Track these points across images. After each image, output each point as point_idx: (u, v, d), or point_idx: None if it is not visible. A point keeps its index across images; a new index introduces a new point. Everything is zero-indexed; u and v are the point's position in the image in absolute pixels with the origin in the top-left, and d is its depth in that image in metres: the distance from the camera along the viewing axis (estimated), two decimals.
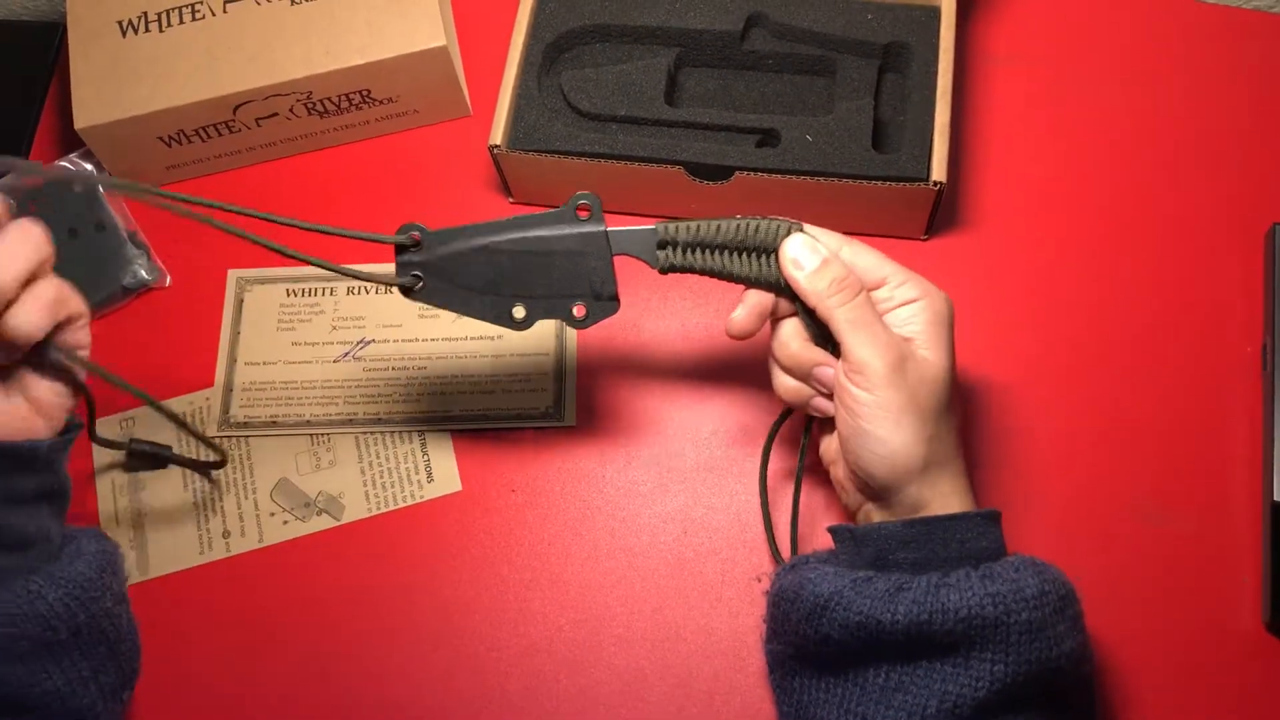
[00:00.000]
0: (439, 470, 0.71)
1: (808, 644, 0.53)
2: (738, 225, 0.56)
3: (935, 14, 0.73)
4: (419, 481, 0.71)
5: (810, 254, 0.55)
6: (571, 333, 0.73)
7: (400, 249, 0.58)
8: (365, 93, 0.77)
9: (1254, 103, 0.76)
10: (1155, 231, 0.73)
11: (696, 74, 0.76)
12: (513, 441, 0.72)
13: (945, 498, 0.54)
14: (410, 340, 0.74)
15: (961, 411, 0.57)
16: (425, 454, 0.71)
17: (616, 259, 0.58)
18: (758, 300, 0.57)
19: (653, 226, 0.57)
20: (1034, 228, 0.74)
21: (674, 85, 0.75)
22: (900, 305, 0.55)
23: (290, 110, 0.77)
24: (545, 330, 0.73)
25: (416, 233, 0.58)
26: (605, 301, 0.59)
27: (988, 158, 0.76)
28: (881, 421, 0.53)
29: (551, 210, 0.58)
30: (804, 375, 0.57)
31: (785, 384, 0.58)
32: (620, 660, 0.66)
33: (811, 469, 0.63)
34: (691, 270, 0.58)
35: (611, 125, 0.73)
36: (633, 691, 0.65)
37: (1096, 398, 0.69)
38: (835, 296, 0.54)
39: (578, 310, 0.59)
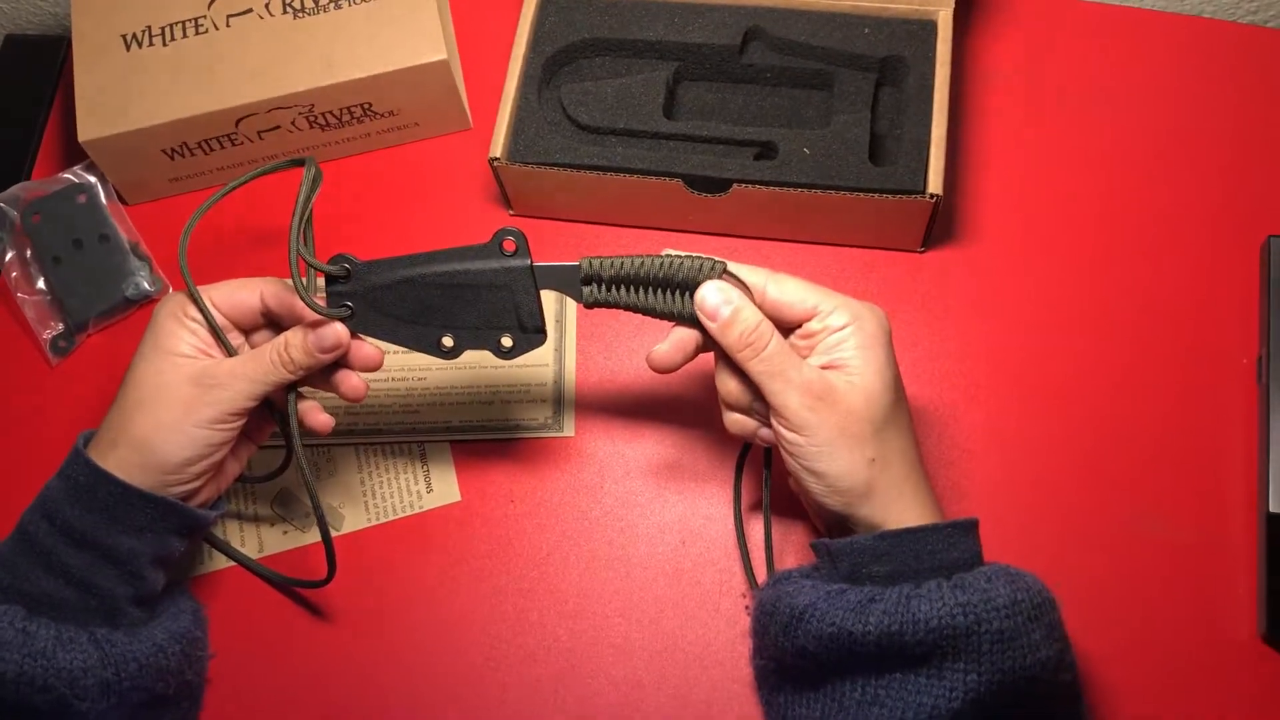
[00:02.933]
0: (438, 481, 0.71)
1: (786, 657, 0.54)
2: (661, 263, 0.57)
3: (931, 29, 0.74)
4: (418, 492, 0.71)
5: (721, 305, 0.55)
6: (571, 345, 0.74)
7: (331, 279, 0.59)
8: (367, 106, 0.78)
9: (1247, 116, 0.77)
10: (1151, 244, 0.74)
11: (695, 88, 0.77)
12: (512, 452, 0.72)
13: (903, 513, 0.54)
14: (410, 351, 0.74)
15: (912, 427, 0.57)
16: (424, 465, 0.72)
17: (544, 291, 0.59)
18: (682, 336, 0.58)
19: (576, 263, 0.58)
20: (1030, 240, 0.75)
21: (672, 99, 0.76)
22: (833, 332, 0.55)
23: (292, 123, 0.78)
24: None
25: (347, 264, 0.58)
26: (532, 334, 0.59)
27: (984, 171, 0.77)
28: (815, 458, 0.54)
29: (477, 245, 0.58)
30: (746, 409, 0.58)
31: (730, 418, 0.59)
32: (618, 670, 0.66)
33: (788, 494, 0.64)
34: (616, 306, 0.58)
35: (610, 138, 0.73)
36: (630, 702, 0.65)
37: (1094, 408, 0.70)
38: (745, 350, 0.55)
39: (505, 341, 0.60)
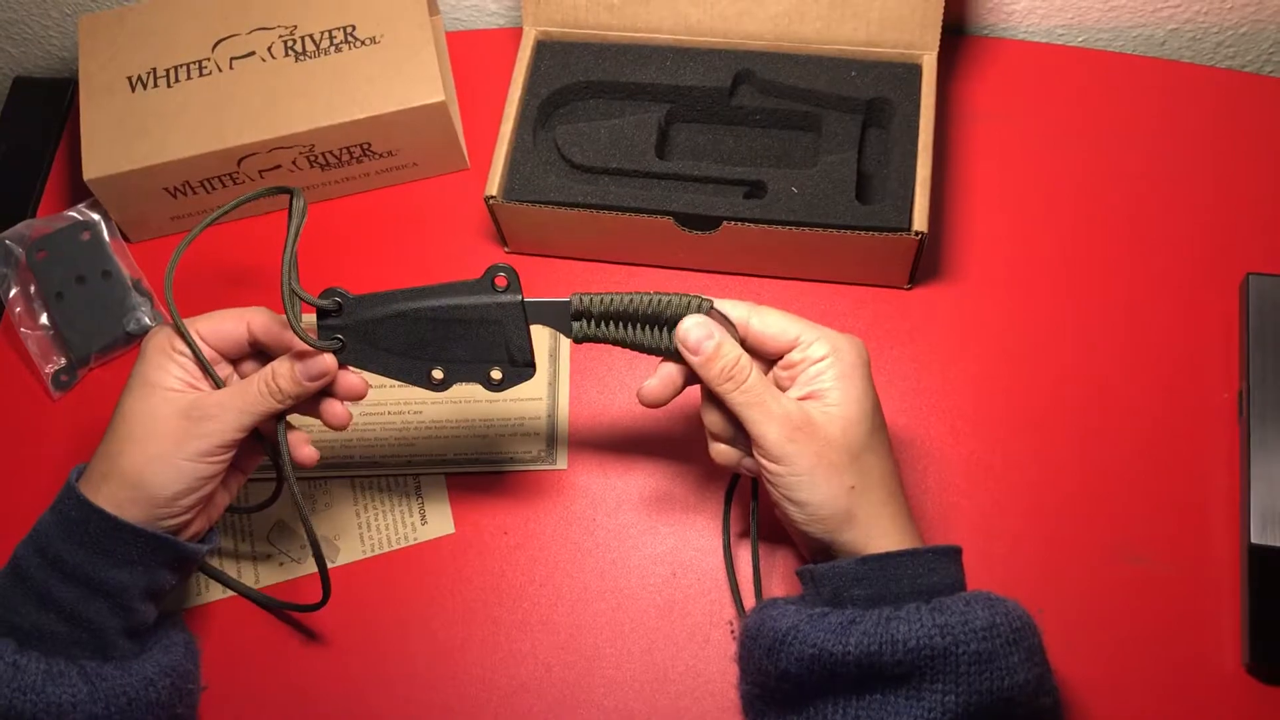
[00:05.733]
0: (432, 513, 0.72)
1: (770, 680, 0.55)
2: (649, 300, 0.58)
3: (916, 72, 0.75)
4: (413, 524, 0.72)
5: (703, 340, 0.57)
6: (564, 378, 0.75)
7: (322, 313, 0.60)
8: (366, 146, 0.79)
9: (1225, 157, 0.78)
10: (1132, 281, 0.75)
11: (686, 129, 0.79)
12: (505, 485, 0.73)
13: (884, 537, 0.55)
14: (405, 385, 0.75)
15: (891, 455, 0.58)
16: (419, 497, 0.73)
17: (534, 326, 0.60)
18: (670, 371, 0.59)
19: (567, 299, 0.59)
20: (1014, 276, 0.76)
21: (664, 139, 0.78)
22: (814, 363, 0.57)
23: (293, 163, 0.79)
24: (538, 376, 0.75)
25: (338, 298, 0.59)
26: (521, 367, 0.61)
27: (969, 209, 0.78)
28: (795, 487, 0.55)
29: (469, 280, 0.59)
30: (730, 441, 0.60)
31: (716, 449, 0.61)
32: (610, 701, 0.67)
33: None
34: (605, 341, 0.60)
35: (604, 177, 0.75)
36: None
37: (1077, 442, 0.71)
38: (726, 384, 0.56)
39: (495, 374, 0.61)
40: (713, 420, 0.59)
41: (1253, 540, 0.65)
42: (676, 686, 0.67)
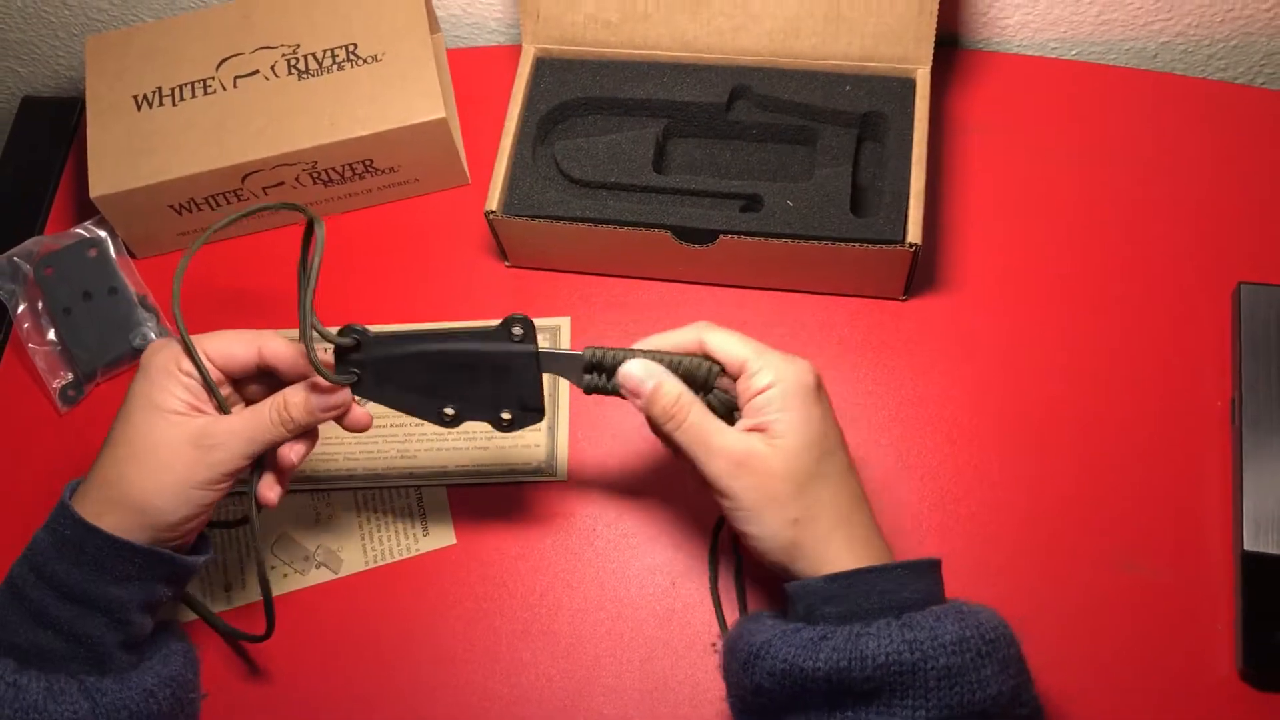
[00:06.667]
0: (434, 524, 0.73)
1: (747, 694, 0.55)
2: (660, 358, 0.59)
3: (910, 86, 0.76)
4: (415, 535, 0.73)
5: (643, 380, 0.58)
6: (564, 390, 0.76)
7: (341, 350, 0.60)
8: (368, 163, 0.80)
9: (1217, 167, 0.79)
10: (1126, 291, 0.76)
11: (684, 144, 0.80)
12: (506, 497, 0.74)
13: (834, 562, 0.55)
14: None
15: (846, 474, 0.58)
16: (421, 508, 0.74)
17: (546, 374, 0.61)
18: None
19: (581, 352, 0.60)
20: (1009, 287, 0.77)
21: (662, 154, 0.79)
22: (758, 393, 0.57)
23: (296, 179, 0.80)
24: None
25: (357, 335, 0.60)
26: (531, 412, 0.62)
27: (963, 221, 0.79)
28: (742, 521, 0.56)
29: (486, 326, 0.60)
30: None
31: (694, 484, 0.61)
32: (610, 710, 0.67)
33: None
34: (614, 394, 0.60)
35: (602, 192, 0.76)
36: None
37: (1072, 451, 0.71)
38: (669, 424, 0.57)
39: (505, 416, 0.62)
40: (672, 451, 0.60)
41: (1246, 547, 0.66)
42: (675, 695, 0.67)
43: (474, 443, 0.75)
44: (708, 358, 0.59)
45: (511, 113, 0.78)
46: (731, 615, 0.68)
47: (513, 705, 0.68)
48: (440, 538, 0.73)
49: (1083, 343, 0.75)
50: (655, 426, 0.58)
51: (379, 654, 0.70)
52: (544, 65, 0.80)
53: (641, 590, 0.70)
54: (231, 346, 0.60)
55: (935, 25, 0.75)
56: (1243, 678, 0.64)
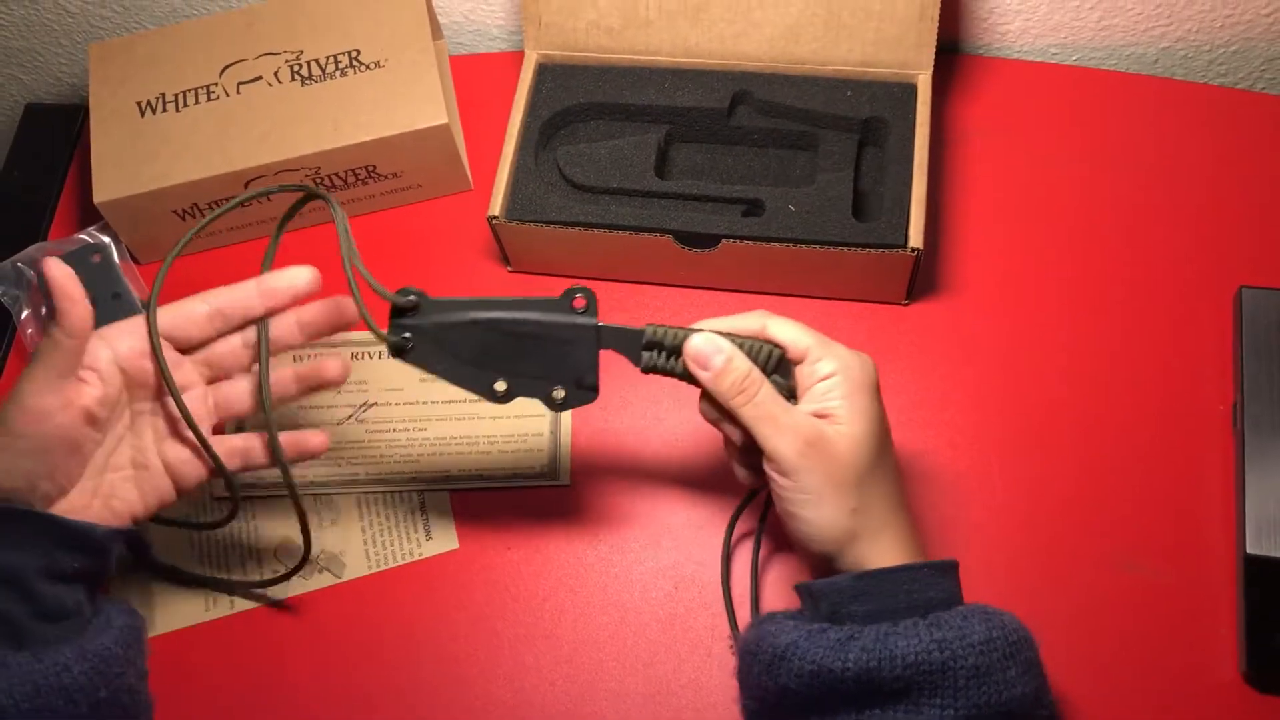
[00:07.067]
0: (437, 529, 0.73)
1: (769, 696, 0.55)
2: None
3: (911, 91, 0.77)
4: (418, 540, 0.73)
5: (711, 355, 0.57)
6: None
7: (397, 311, 0.60)
8: (371, 168, 0.81)
9: (1218, 172, 0.79)
10: (1127, 295, 0.76)
11: (685, 149, 0.80)
12: (509, 501, 0.74)
13: (882, 556, 0.55)
14: (411, 403, 0.77)
15: (897, 472, 0.58)
16: (424, 513, 0.74)
17: (602, 352, 0.60)
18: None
19: (642, 328, 0.59)
20: (1011, 291, 0.77)
21: (664, 159, 0.79)
22: (820, 380, 0.57)
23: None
24: None
25: (414, 296, 0.59)
26: (585, 390, 0.61)
27: (965, 226, 0.79)
28: (802, 504, 0.55)
29: (547, 297, 0.59)
30: (757, 469, 0.59)
31: (740, 472, 0.61)
32: (612, 715, 0.67)
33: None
34: (670, 374, 0.60)
35: (604, 197, 0.76)
36: None
37: (1074, 454, 0.71)
38: (738, 398, 0.57)
39: (558, 393, 0.61)
40: (730, 431, 0.59)
41: (1248, 550, 0.66)
42: (678, 700, 0.67)
43: (477, 447, 0.75)
44: (771, 347, 0.58)
45: (514, 118, 0.78)
46: (743, 616, 0.68)
47: (515, 710, 0.68)
48: (443, 542, 0.73)
49: (1084, 347, 0.75)
50: (723, 402, 0.57)
51: (381, 658, 0.70)
52: (546, 71, 0.80)
53: (644, 595, 0.70)
54: (182, 306, 0.62)
55: (936, 31, 0.75)
56: (1245, 680, 0.64)
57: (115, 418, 0.61)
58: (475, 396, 0.61)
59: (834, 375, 0.56)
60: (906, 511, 0.58)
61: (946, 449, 0.72)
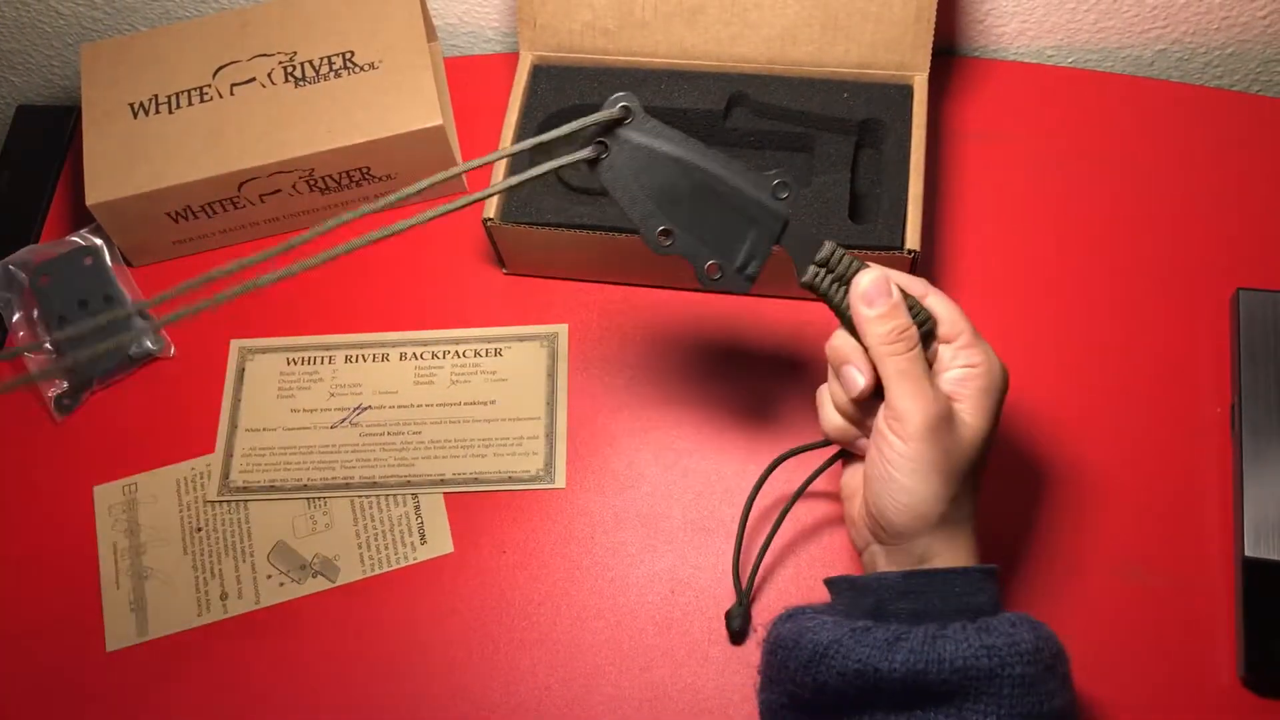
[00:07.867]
0: (432, 532, 0.73)
1: (804, 692, 0.54)
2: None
3: (908, 92, 0.77)
4: (412, 543, 0.73)
5: (881, 295, 0.56)
6: (562, 397, 0.76)
7: (608, 125, 0.57)
8: (365, 170, 0.80)
9: (1215, 173, 0.79)
10: (1124, 297, 0.76)
11: None
12: (504, 504, 0.73)
13: (951, 553, 0.55)
14: (405, 406, 0.76)
15: (981, 481, 0.57)
16: (419, 516, 0.73)
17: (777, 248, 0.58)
18: (850, 373, 0.57)
19: (825, 241, 0.57)
20: (1007, 293, 0.77)
21: None
22: (963, 367, 0.56)
23: (293, 187, 0.80)
24: (536, 396, 0.76)
25: (628, 107, 0.56)
26: (741, 277, 0.58)
27: (961, 228, 0.79)
28: (910, 473, 0.54)
29: (753, 171, 0.57)
30: (856, 420, 0.58)
31: (833, 422, 0.59)
32: (609, 719, 0.67)
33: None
34: (823, 298, 0.58)
35: (601, 198, 0.76)
36: None
37: (1071, 458, 0.71)
38: (895, 344, 0.55)
39: (710, 269, 0.58)
40: (844, 401, 0.57)
41: (1246, 553, 0.65)
42: (675, 704, 0.67)
43: (471, 450, 0.74)
44: (925, 310, 0.57)
45: (509, 120, 0.77)
46: (727, 601, 0.68)
47: (511, 715, 0.67)
48: (438, 546, 0.72)
49: (1080, 348, 0.75)
50: (873, 345, 0.55)
51: (376, 663, 0.69)
52: (541, 72, 0.80)
53: (640, 598, 0.70)
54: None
55: (933, 32, 0.75)
56: (1244, 684, 0.64)
57: None
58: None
59: (977, 368, 0.56)
60: (975, 523, 0.57)
61: None
